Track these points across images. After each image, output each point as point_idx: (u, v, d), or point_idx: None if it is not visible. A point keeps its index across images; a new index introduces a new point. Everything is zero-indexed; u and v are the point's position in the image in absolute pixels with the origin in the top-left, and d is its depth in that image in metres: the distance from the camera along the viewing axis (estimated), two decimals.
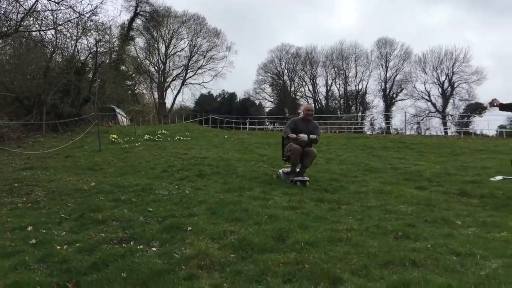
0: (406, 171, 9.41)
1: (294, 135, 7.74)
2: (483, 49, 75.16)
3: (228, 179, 8.19)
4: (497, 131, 34.04)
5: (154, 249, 4.11)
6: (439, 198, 6.54)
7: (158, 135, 18.54)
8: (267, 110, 60.22)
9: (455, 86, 52.91)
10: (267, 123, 50.12)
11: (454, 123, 46.72)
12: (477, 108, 47.84)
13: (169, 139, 17.78)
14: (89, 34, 21.17)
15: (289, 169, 7.97)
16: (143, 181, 8.00)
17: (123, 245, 4.24)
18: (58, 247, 4.27)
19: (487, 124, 53.83)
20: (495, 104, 6.55)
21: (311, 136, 7.79)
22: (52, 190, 7.47)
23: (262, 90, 61.19)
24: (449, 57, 52.66)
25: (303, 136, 7.70)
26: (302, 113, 8.36)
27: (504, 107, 6.55)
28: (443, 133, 36.87)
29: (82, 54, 23.84)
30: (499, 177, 8.47)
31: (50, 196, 7.04)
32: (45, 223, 5.25)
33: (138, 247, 4.15)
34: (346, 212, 5.61)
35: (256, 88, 60.83)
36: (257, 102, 60.79)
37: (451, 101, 52.89)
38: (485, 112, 44.04)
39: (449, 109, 52.15)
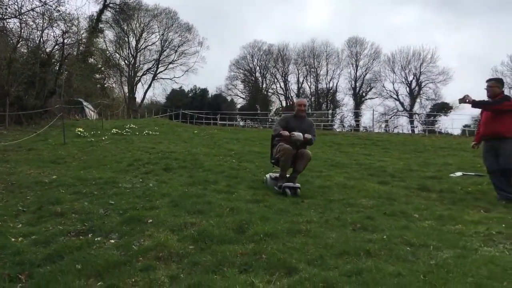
0: (371, 166, 9.60)
1: (286, 133, 6.59)
2: (450, 49, 77.59)
3: (194, 173, 8.15)
4: (462, 130, 35.14)
5: (112, 241, 4.04)
6: (399, 193, 6.70)
7: (126, 129, 18.30)
8: (238, 106, 60.24)
9: (422, 86, 54.41)
10: (239, 119, 50.10)
11: (420, 122, 47.96)
12: (443, 108, 49.23)
13: (137, 133, 17.55)
14: (55, 25, 20.72)
15: (277, 174, 6.86)
16: (107, 174, 7.87)
17: (81, 237, 4.15)
18: (13, 239, 4.14)
19: (451, 123, 55.54)
20: (467, 100, 6.23)
21: (306, 135, 6.70)
22: (11, 182, 7.25)
23: (234, 86, 61.28)
24: (417, 57, 54.17)
25: (298, 134, 6.57)
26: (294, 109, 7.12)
27: (476, 104, 6.33)
28: (410, 132, 37.74)
29: (48, 45, 23.27)
30: (458, 173, 8.75)
31: (9, 189, 6.83)
32: (1, 215, 5.08)
33: (96, 239, 4.07)
34: (308, 205, 5.68)
35: (228, 84, 60.88)
36: (229, 98, 60.85)
37: (418, 100, 54.38)
38: (450, 111, 45.45)
39: (416, 108, 53.67)
